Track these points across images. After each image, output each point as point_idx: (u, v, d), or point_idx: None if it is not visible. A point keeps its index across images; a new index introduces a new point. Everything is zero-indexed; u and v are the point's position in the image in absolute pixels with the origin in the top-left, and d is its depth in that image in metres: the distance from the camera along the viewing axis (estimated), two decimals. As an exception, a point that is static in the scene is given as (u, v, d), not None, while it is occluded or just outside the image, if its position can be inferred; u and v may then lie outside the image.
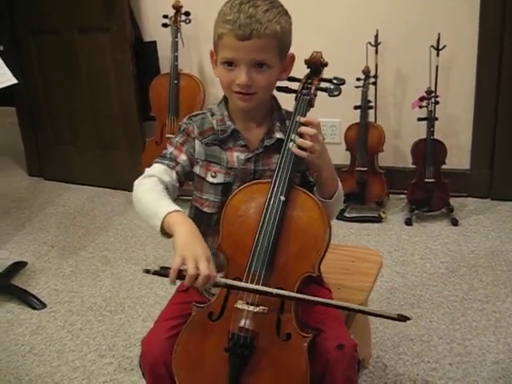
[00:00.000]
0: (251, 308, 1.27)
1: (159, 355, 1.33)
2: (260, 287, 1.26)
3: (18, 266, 2.79)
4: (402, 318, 1.21)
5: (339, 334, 1.32)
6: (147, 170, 1.44)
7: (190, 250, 1.22)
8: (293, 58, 1.42)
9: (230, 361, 1.26)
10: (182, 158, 1.44)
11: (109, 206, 3.52)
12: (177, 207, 1.33)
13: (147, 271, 1.24)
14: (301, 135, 1.33)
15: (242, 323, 1.27)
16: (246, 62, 1.32)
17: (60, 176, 3.96)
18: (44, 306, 2.50)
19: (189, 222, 1.31)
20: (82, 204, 3.59)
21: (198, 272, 1.20)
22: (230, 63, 1.34)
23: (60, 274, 2.76)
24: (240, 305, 1.28)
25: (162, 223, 1.30)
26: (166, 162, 1.44)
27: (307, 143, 1.31)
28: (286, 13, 1.37)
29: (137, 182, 1.43)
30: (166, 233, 1.31)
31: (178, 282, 1.26)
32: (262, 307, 1.27)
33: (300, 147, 1.32)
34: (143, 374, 1.38)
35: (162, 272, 1.24)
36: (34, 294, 2.55)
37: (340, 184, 1.44)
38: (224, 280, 1.28)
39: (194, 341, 1.32)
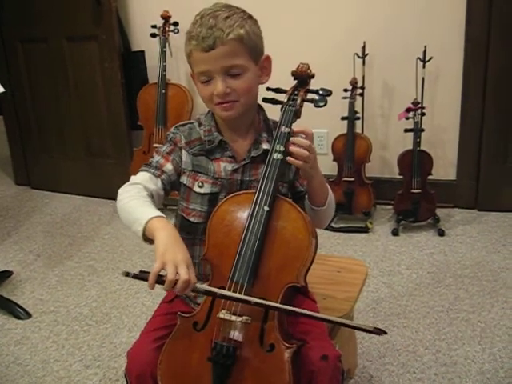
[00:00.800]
0: (234, 318, 1.27)
1: (145, 366, 1.32)
2: (239, 295, 1.26)
3: (3, 276, 2.77)
4: (378, 331, 1.20)
5: (323, 345, 1.32)
6: (132, 178, 1.45)
7: (170, 255, 1.23)
8: (268, 59, 1.43)
9: (213, 371, 1.26)
10: (168, 167, 1.45)
11: (96, 215, 3.51)
12: (159, 213, 1.32)
13: (127, 274, 1.24)
14: (288, 142, 1.33)
15: (225, 333, 1.27)
16: (219, 71, 1.34)
17: (47, 185, 3.94)
18: (29, 315, 2.48)
19: (170, 228, 1.30)
20: (69, 213, 3.58)
21: (177, 277, 1.20)
22: (206, 78, 1.36)
23: (46, 284, 2.74)
24: (223, 314, 1.27)
25: (144, 229, 1.30)
26: (152, 170, 1.44)
27: (304, 153, 1.31)
28: (249, 17, 1.38)
29: (121, 190, 1.42)
30: (147, 239, 1.31)
31: (162, 288, 1.25)
32: (245, 317, 1.27)
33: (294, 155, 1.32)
34: (128, 386, 1.38)
35: (142, 276, 1.24)
36: (19, 304, 2.53)
37: (330, 190, 1.45)
38: (203, 286, 1.28)
39: (178, 351, 1.32)
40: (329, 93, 1.41)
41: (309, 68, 1.43)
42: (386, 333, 1.21)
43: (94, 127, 3.65)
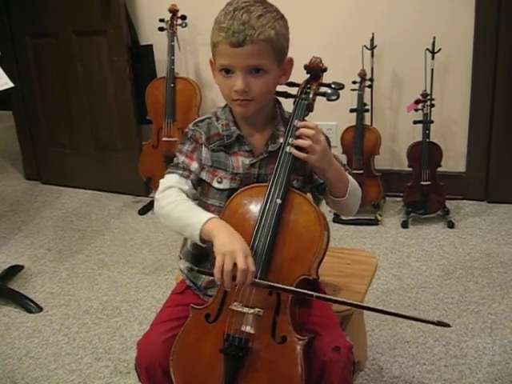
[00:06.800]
0: (246, 310, 1.28)
1: (155, 357, 1.33)
2: (293, 288, 1.27)
3: (15, 270, 2.79)
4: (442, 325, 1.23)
5: (335, 336, 1.33)
6: (163, 182, 1.45)
7: (228, 247, 1.25)
8: (291, 61, 1.42)
9: (225, 362, 1.27)
10: (194, 165, 1.45)
11: (105, 209, 3.52)
12: (210, 214, 1.34)
13: (191, 269, 1.35)
14: (299, 137, 1.34)
15: (237, 325, 1.28)
16: (242, 68, 1.32)
17: (57, 179, 3.96)
18: (40, 309, 2.50)
19: (224, 226, 1.31)
20: (79, 207, 3.60)
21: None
22: (227, 70, 1.35)
23: (56, 278, 2.76)
24: (235, 306, 1.28)
25: (201, 232, 1.32)
26: (180, 171, 1.44)
27: (305, 143, 1.32)
28: (281, 17, 1.36)
29: (158, 196, 1.43)
30: (203, 240, 1.33)
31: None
32: (257, 309, 1.27)
33: (299, 149, 1.33)
34: (139, 377, 1.39)
35: (207, 271, 1.31)
36: (30, 298, 2.55)
37: (351, 178, 1.44)
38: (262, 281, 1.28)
39: (191, 342, 1.33)
40: (341, 86, 1.42)
41: (321, 62, 1.43)
42: (449, 325, 1.25)
43: (103, 121, 3.66)
